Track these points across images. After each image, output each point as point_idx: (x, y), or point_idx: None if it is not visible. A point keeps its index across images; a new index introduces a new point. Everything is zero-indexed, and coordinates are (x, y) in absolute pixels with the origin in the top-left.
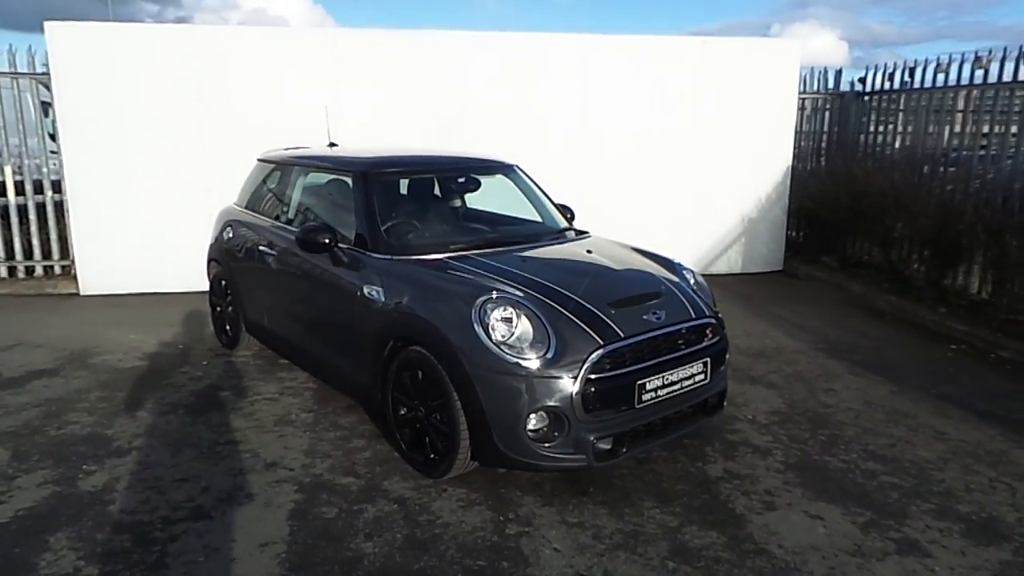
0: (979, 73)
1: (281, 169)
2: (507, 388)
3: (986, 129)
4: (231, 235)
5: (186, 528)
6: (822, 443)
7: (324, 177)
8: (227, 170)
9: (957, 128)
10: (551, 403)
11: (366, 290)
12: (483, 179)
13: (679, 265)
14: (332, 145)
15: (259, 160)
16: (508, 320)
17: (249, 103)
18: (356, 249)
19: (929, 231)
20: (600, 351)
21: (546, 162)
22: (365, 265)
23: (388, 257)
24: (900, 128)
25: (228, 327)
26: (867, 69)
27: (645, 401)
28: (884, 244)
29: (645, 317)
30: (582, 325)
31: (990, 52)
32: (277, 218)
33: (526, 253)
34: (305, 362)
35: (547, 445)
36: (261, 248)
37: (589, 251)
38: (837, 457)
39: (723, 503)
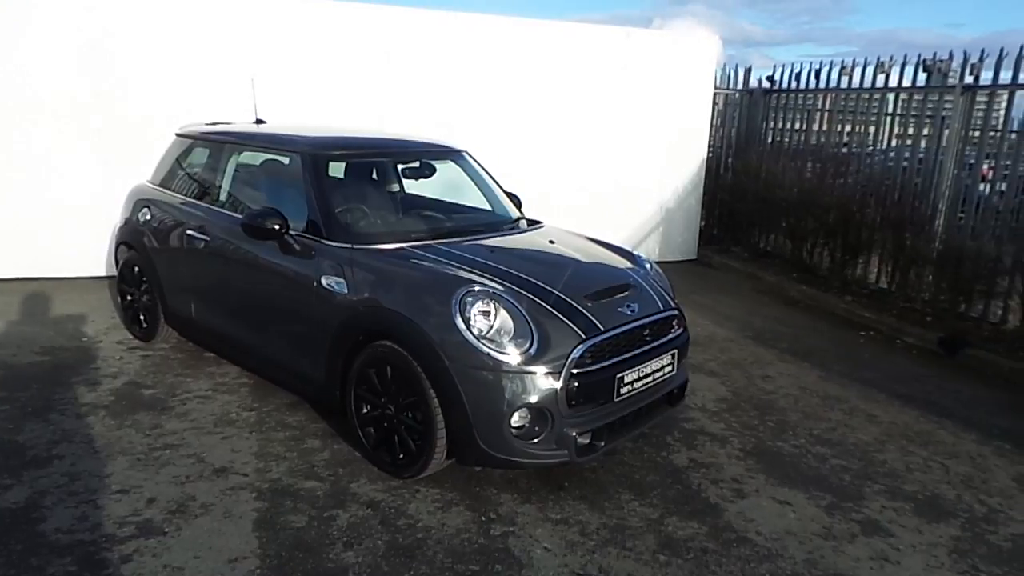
0: (880, 78)
1: (208, 146)
2: (490, 385)
3: (887, 130)
4: (147, 217)
5: (138, 546)
6: (771, 429)
7: (261, 156)
8: (128, 145)
9: (858, 128)
10: (535, 399)
11: (324, 281)
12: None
13: (638, 256)
14: (259, 122)
15: (178, 135)
16: (487, 313)
17: (153, 72)
18: (309, 236)
19: (835, 225)
20: (583, 345)
21: (474, 147)
22: (321, 254)
23: (348, 246)
24: (803, 126)
25: (143, 318)
26: (775, 68)
27: (623, 394)
28: (792, 236)
29: (620, 310)
30: (563, 319)
31: (892, 58)
32: (206, 200)
33: (489, 243)
34: (243, 357)
35: (530, 442)
36: (189, 233)
37: (552, 241)
38: (788, 443)
39: (696, 492)
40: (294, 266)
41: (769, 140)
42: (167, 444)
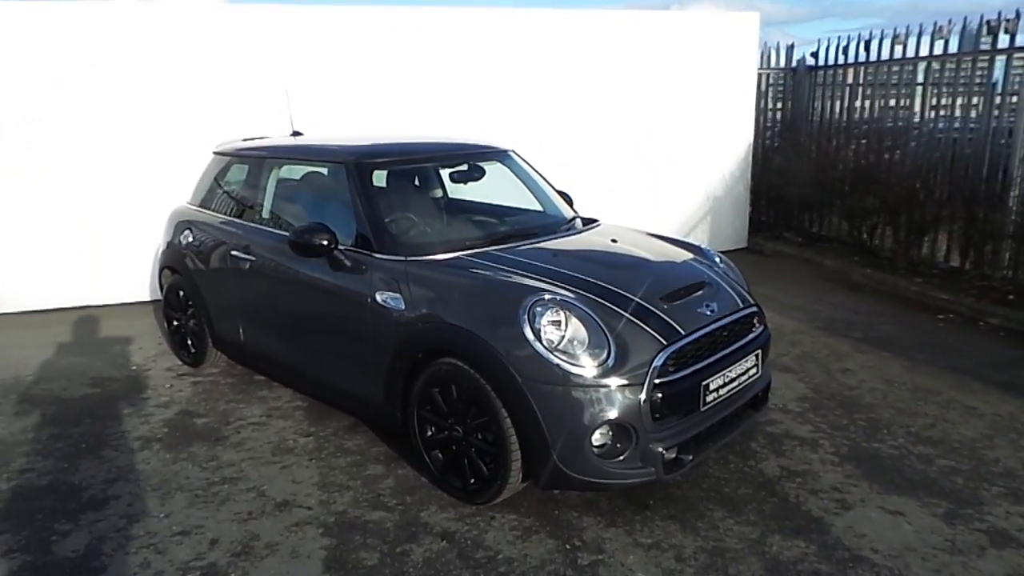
0: (938, 44)
1: (248, 162)
2: (568, 401)
3: (945, 101)
4: (190, 239)
5: None
6: (864, 429)
7: (302, 170)
8: (166, 163)
9: (916, 101)
10: (617, 414)
11: (379, 297)
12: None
13: (707, 250)
14: (296, 134)
15: (216, 153)
16: (557, 323)
17: (193, 88)
18: (360, 251)
19: (898, 203)
20: (665, 352)
21: (512, 144)
22: (374, 269)
23: (401, 259)
24: (853, 102)
25: (191, 343)
26: (818, 43)
27: (709, 403)
28: (850, 217)
29: (699, 310)
30: (641, 324)
31: (950, 22)
32: (249, 218)
33: (549, 246)
34: (296, 379)
35: (613, 461)
36: (233, 253)
37: (614, 240)
38: (885, 443)
39: (795, 505)
40: (346, 283)
41: (818, 119)
42: (225, 477)
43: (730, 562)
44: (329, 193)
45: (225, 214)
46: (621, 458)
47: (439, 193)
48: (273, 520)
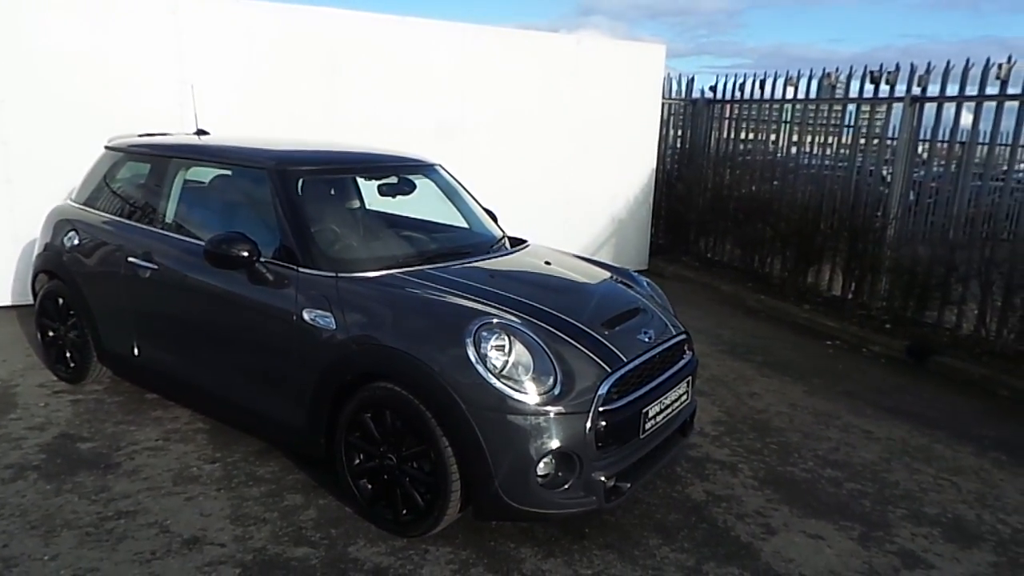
0: (809, 89)
1: (148, 160)
2: (514, 428)
3: (831, 140)
4: (75, 241)
5: None
6: (776, 452)
7: (212, 172)
8: (34, 157)
9: (804, 138)
10: (563, 443)
11: (307, 316)
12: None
13: (635, 274)
14: (202, 133)
15: (108, 148)
16: (502, 347)
17: (65, 77)
18: (284, 264)
19: (789, 234)
20: (609, 380)
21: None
22: (301, 284)
23: (331, 275)
24: (748, 136)
25: (70, 356)
26: (717, 78)
27: (648, 429)
28: (743, 245)
29: (638, 337)
30: (585, 351)
31: (837, 69)
32: (149, 222)
33: (484, 266)
34: (201, 400)
35: (557, 491)
36: (130, 260)
37: (547, 263)
38: (798, 467)
39: (725, 531)
40: (267, 299)
41: (714, 150)
42: (120, 511)
43: None
44: (246, 200)
45: (119, 215)
46: (565, 487)
47: (362, 206)
48: (182, 560)
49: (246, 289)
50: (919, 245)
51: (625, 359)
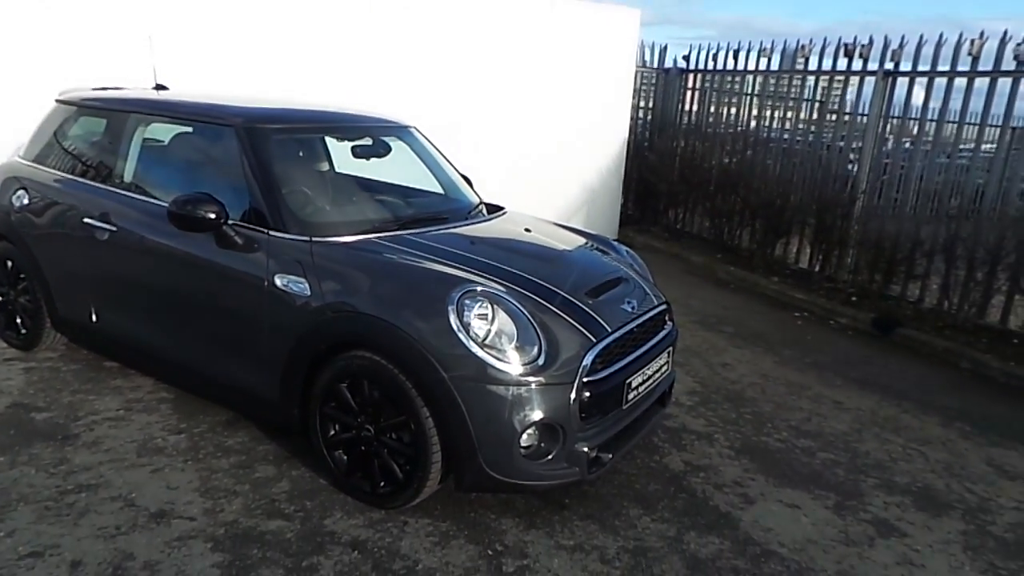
0: (782, 61)
1: (104, 116)
2: (498, 399)
3: (807, 113)
4: (24, 200)
5: None
6: (751, 422)
7: (174, 129)
8: None
9: (777, 111)
10: (548, 414)
11: (279, 281)
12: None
13: (615, 243)
14: (160, 88)
15: (60, 102)
16: (484, 316)
17: (9, 26)
18: (254, 228)
19: (759, 206)
20: (594, 350)
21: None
22: (272, 249)
23: (305, 239)
24: (721, 107)
25: (20, 322)
26: (691, 48)
27: (630, 400)
28: (713, 216)
29: (621, 307)
30: (569, 320)
31: (811, 41)
32: (106, 181)
33: (464, 232)
34: (165, 369)
35: (540, 462)
36: (86, 221)
37: (527, 229)
38: (772, 437)
39: (704, 501)
40: (236, 264)
41: (686, 121)
42: (81, 484)
43: (653, 562)
44: (210, 159)
45: (72, 174)
46: (548, 458)
47: (332, 168)
48: (149, 535)
49: (213, 253)
50: (886, 220)
51: (609, 329)
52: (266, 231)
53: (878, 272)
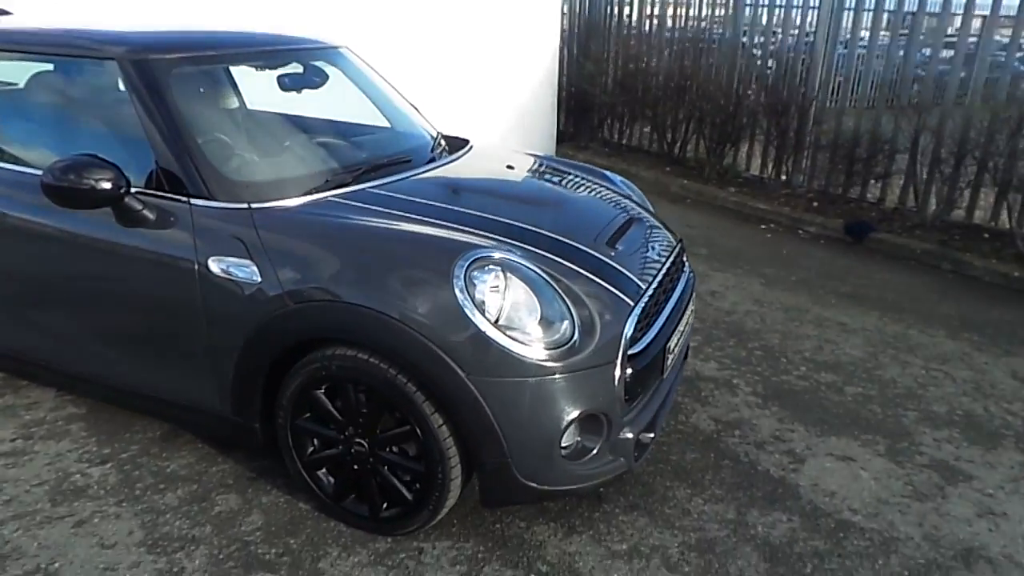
0: None
1: None
2: (527, 395)
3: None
4: None
5: None
6: (764, 360)
7: (29, 69)
8: None
9: (718, 10)
10: (591, 404)
11: (216, 267)
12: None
13: (607, 173)
14: (3, 13)
15: None
16: (497, 289)
17: None
18: (167, 196)
19: (707, 113)
20: (634, 315)
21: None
22: (199, 223)
23: (243, 206)
24: (654, 10)
25: None
26: None
27: (668, 366)
28: (656, 127)
29: (646, 254)
30: (600, 282)
31: None
32: None
33: (437, 177)
34: (72, 382)
35: (583, 461)
36: None
37: (511, 167)
38: (792, 375)
39: (751, 467)
40: (150, 245)
41: (615, 25)
42: None
43: (725, 558)
44: (90, 106)
45: None
46: (592, 455)
47: (243, 106)
48: None
49: (115, 233)
50: (845, 117)
51: (642, 285)
52: (186, 199)
53: (839, 174)
